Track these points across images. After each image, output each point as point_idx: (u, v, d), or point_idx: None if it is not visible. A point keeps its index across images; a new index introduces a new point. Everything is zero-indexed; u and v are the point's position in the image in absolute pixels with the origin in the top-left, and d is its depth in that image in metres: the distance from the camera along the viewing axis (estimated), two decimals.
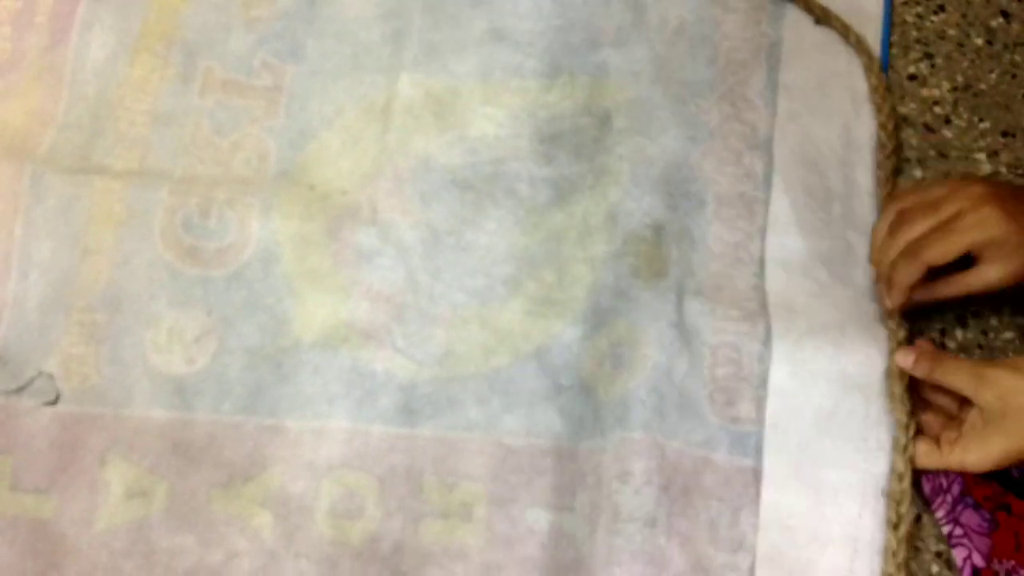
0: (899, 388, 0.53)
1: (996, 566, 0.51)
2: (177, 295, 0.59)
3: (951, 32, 0.66)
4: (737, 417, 0.55)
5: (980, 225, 0.52)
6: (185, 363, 0.58)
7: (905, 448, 0.52)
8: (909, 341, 0.55)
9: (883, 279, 0.55)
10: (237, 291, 0.59)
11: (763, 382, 0.55)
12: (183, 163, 0.63)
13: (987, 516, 0.53)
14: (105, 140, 0.63)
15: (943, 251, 0.53)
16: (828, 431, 0.53)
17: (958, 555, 0.53)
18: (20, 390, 0.57)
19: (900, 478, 0.52)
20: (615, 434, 0.54)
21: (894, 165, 0.61)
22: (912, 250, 0.54)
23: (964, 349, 0.58)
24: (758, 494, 0.53)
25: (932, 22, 0.66)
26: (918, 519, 0.54)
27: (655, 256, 0.59)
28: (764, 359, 0.55)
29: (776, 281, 0.58)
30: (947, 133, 0.63)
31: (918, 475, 0.54)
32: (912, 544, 0.53)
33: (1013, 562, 0.51)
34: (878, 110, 0.62)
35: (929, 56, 0.65)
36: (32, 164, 0.61)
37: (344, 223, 0.60)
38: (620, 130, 0.62)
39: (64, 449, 0.56)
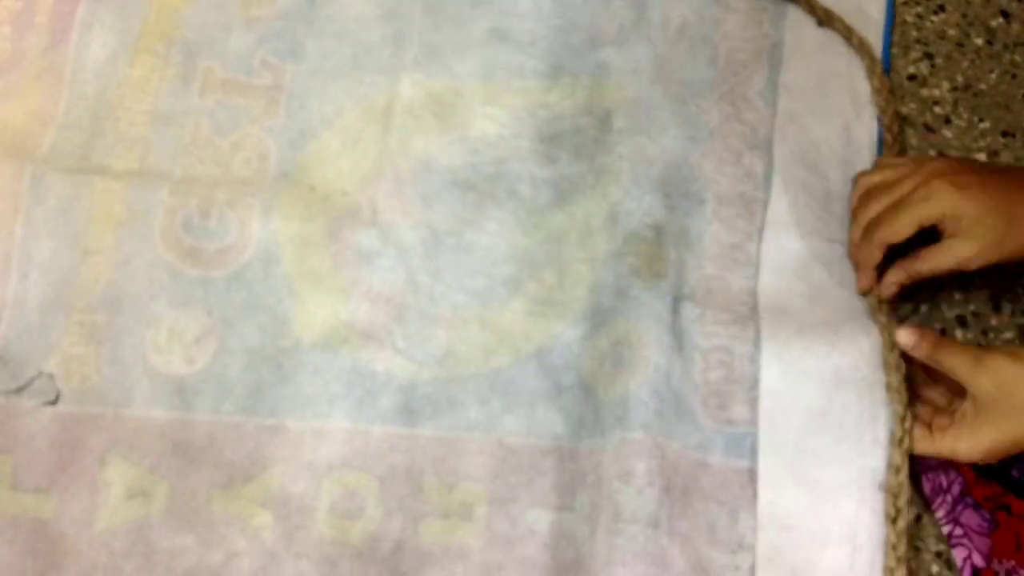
0: (896, 379, 0.52)
1: (996, 566, 0.51)
2: (177, 295, 0.59)
3: (951, 32, 0.66)
4: (731, 419, 0.55)
5: (928, 199, 0.52)
6: (185, 363, 0.58)
7: (901, 441, 0.51)
8: None
9: (852, 262, 0.55)
10: (237, 292, 0.59)
11: (755, 383, 0.55)
12: (183, 163, 0.63)
13: (987, 516, 0.53)
14: (105, 140, 0.63)
15: (895, 228, 0.53)
16: (822, 429, 0.53)
17: (958, 555, 0.53)
18: (20, 390, 0.57)
19: (897, 471, 0.51)
20: (615, 434, 0.54)
21: None
22: (869, 229, 0.54)
23: None
24: (755, 495, 0.53)
25: (932, 22, 0.66)
26: (918, 519, 0.55)
27: (655, 256, 0.59)
28: (755, 360, 0.55)
29: (769, 283, 0.58)
30: (947, 133, 0.63)
31: (918, 474, 0.54)
32: (912, 541, 0.53)
33: (1013, 562, 0.51)
34: (881, 112, 0.62)
35: (929, 56, 0.65)
36: (32, 164, 0.61)
37: (344, 224, 0.60)
38: (620, 130, 0.62)
39: (64, 449, 0.56)
